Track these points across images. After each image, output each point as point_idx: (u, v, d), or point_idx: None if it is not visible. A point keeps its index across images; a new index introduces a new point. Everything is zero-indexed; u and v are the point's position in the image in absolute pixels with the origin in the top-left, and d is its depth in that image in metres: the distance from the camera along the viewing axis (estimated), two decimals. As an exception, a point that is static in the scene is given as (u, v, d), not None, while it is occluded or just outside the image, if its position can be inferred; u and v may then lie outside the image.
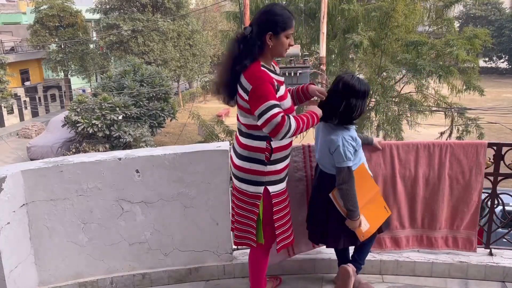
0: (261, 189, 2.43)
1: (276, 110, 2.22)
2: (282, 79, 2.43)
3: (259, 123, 2.26)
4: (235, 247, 3.19)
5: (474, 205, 2.99)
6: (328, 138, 2.51)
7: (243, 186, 2.47)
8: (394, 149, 2.93)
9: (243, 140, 2.44)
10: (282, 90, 2.37)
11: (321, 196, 2.64)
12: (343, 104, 2.45)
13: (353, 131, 2.55)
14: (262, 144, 2.37)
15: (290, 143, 2.50)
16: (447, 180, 2.96)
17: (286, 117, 2.24)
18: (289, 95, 2.46)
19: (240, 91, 2.33)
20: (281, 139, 2.28)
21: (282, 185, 2.51)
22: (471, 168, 2.94)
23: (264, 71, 2.30)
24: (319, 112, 2.45)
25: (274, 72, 2.39)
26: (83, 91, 26.30)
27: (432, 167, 2.95)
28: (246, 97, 2.29)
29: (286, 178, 2.56)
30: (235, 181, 2.52)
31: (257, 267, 2.63)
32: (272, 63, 2.45)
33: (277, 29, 2.27)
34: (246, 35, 2.30)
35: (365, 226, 2.54)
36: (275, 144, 2.38)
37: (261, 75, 2.27)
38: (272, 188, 2.45)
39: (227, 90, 2.39)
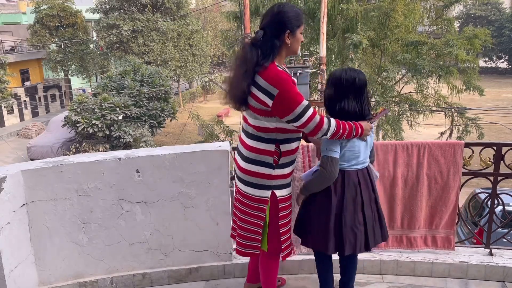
0: (268, 193, 2.37)
1: (311, 110, 2.21)
2: (291, 75, 2.40)
3: (297, 125, 2.22)
4: (235, 247, 3.19)
5: (452, 204, 3.02)
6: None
7: (249, 190, 2.40)
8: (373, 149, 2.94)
9: (250, 142, 2.37)
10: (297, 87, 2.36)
11: (372, 198, 2.46)
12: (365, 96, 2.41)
13: None
14: (271, 147, 2.33)
15: (297, 148, 2.46)
16: (425, 180, 2.98)
17: (324, 117, 2.23)
18: None
19: (258, 93, 2.24)
20: (321, 137, 2.27)
21: (289, 190, 2.46)
22: (449, 167, 2.97)
23: (284, 71, 2.27)
24: (366, 126, 2.35)
25: (287, 72, 2.36)
26: (83, 91, 26.27)
27: (411, 167, 2.97)
28: (268, 101, 2.21)
29: (292, 184, 2.52)
30: (240, 185, 2.45)
31: (269, 273, 2.58)
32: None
33: (293, 27, 2.27)
34: (259, 39, 2.26)
35: None
36: (284, 148, 2.34)
37: (284, 76, 2.22)
38: (279, 193, 2.40)
39: (242, 96, 2.30)
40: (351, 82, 2.34)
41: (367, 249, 2.45)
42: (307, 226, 2.50)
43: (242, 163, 2.41)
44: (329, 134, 2.25)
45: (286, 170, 2.40)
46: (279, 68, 2.26)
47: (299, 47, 2.37)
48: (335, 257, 2.59)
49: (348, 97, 2.35)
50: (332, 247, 2.39)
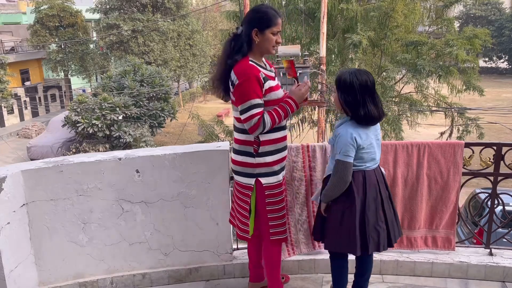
0: (252, 180, 2.51)
1: (256, 110, 2.36)
2: (272, 74, 2.53)
3: (242, 118, 2.40)
4: (235, 247, 3.19)
5: (452, 205, 3.02)
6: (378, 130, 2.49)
7: (238, 178, 2.57)
8: None
9: (236, 135, 2.56)
10: (272, 83, 2.46)
11: (388, 195, 2.49)
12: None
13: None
14: (250, 137, 2.46)
15: (283, 138, 2.53)
16: (425, 180, 2.98)
17: (261, 118, 2.36)
18: (281, 88, 2.54)
19: (230, 85, 2.45)
20: (260, 133, 2.42)
21: (277, 178, 2.53)
22: (449, 168, 2.96)
23: (253, 65, 2.40)
24: (297, 95, 2.47)
25: (264, 68, 2.49)
26: (83, 91, 26.30)
27: (411, 167, 2.97)
28: (232, 89, 2.44)
29: (283, 172, 2.59)
30: (234, 175, 2.63)
31: (272, 263, 2.66)
32: (264, 61, 2.55)
33: (261, 26, 2.40)
34: (238, 34, 2.45)
35: None
36: (262, 137, 2.46)
37: (249, 71, 2.37)
38: (264, 180, 2.50)
39: (222, 85, 2.51)
40: (365, 85, 2.32)
41: (390, 245, 2.48)
42: (331, 230, 2.49)
43: (232, 155, 2.60)
44: (266, 130, 2.41)
45: (268, 159, 2.48)
46: (251, 63, 2.40)
47: (273, 47, 2.45)
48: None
49: (367, 101, 2.33)
50: (359, 248, 2.41)
